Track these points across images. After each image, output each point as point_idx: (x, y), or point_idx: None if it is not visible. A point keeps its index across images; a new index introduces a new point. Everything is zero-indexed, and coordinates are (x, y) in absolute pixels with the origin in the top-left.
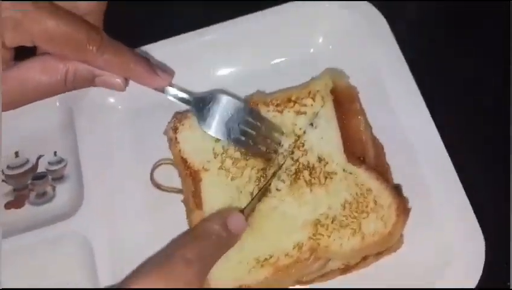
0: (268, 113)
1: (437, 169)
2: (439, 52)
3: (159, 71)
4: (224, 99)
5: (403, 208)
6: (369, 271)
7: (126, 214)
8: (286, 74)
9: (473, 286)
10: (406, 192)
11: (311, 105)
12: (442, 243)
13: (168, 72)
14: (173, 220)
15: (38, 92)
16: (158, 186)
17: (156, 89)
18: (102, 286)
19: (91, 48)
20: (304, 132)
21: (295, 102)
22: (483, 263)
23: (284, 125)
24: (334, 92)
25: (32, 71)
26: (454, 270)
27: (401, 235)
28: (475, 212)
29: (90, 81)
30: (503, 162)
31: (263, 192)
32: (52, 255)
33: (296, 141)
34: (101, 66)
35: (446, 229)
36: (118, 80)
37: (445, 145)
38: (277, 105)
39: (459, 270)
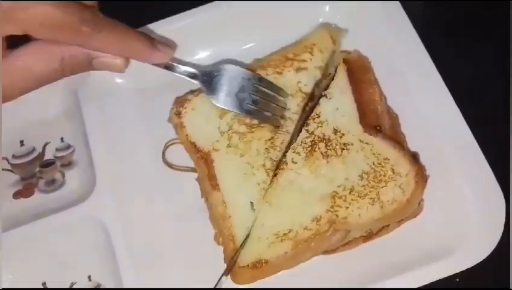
0: (268, 76)
1: (456, 137)
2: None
3: (160, 46)
4: (232, 69)
5: (421, 175)
6: (391, 237)
7: (139, 195)
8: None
9: (486, 255)
10: (423, 160)
11: (310, 60)
12: (461, 210)
13: (169, 45)
14: (187, 198)
15: (35, 81)
16: (170, 165)
17: (159, 65)
18: (122, 267)
19: (85, 29)
20: (319, 102)
21: (293, 59)
22: (502, 229)
23: (287, 85)
24: (347, 62)
25: (28, 60)
26: (473, 239)
27: (422, 201)
28: None
29: (88, 65)
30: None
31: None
32: (69, 240)
33: (303, 98)
34: (98, 48)
35: (466, 195)
36: (117, 61)
37: None
38: (275, 66)
39: (477, 238)
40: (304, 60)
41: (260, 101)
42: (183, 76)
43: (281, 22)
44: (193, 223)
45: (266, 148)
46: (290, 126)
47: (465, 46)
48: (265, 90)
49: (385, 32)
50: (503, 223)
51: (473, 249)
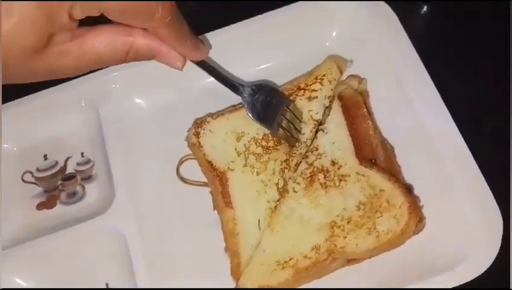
0: None
1: (458, 164)
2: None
3: (200, 44)
4: (269, 89)
5: (415, 207)
6: (393, 253)
7: (155, 208)
8: (302, 69)
9: (484, 270)
10: (422, 189)
11: (320, 89)
12: (462, 228)
13: (206, 44)
14: (200, 211)
15: (95, 63)
16: (184, 180)
17: (210, 72)
18: (138, 276)
19: (160, 15)
20: (316, 136)
21: (305, 89)
22: (497, 252)
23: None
24: (341, 98)
25: (97, 43)
26: (472, 254)
27: (424, 219)
28: None
29: (150, 58)
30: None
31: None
32: (88, 249)
33: (315, 125)
34: (163, 36)
35: (466, 214)
36: (178, 63)
37: None
38: (289, 95)
39: (476, 253)
40: (315, 90)
41: (287, 123)
42: (226, 86)
43: (292, 45)
44: (206, 235)
45: (281, 169)
46: (303, 149)
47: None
48: (293, 113)
49: (388, 58)
50: (501, 238)
51: (472, 264)
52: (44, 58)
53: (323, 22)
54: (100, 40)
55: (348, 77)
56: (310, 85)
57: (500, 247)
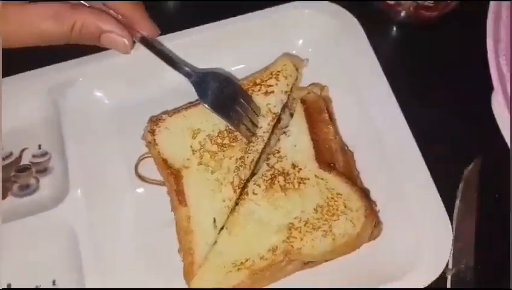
0: None
1: (413, 172)
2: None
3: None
4: (223, 77)
5: (371, 211)
6: (348, 257)
7: (111, 206)
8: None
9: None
10: (379, 195)
11: (276, 84)
12: (414, 237)
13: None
14: (157, 211)
15: (38, 37)
16: (142, 178)
17: (161, 57)
18: (86, 273)
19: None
20: (279, 138)
21: (261, 84)
22: (447, 258)
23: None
24: (304, 103)
25: (41, 15)
26: (421, 265)
27: (381, 224)
28: None
29: (95, 38)
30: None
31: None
32: (37, 244)
33: (273, 118)
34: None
35: (418, 224)
36: (124, 40)
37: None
38: (246, 90)
39: (426, 264)
40: (271, 85)
41: (241, 113)
42: (179, 72)
43: (255, 51)
44: (161, 235)
45: (237, 167)
46: (259, 144)
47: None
48: (248, 105)
49: (352, 67)
50: (449, 251)
51: (420, 275)
52: None
53: (290, 30)
54: (43, 10)
55: (310, 84)
56: (266, 80)
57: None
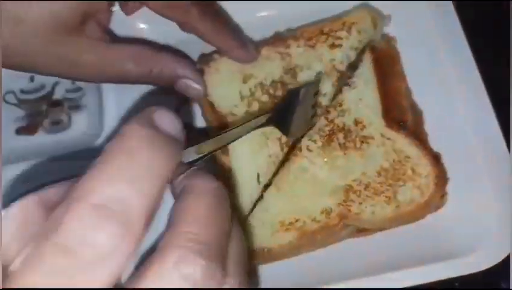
0: (299, 48)
1: (486, 139)
2: None
3: (249, 45)
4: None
5: (442, 178)
6: (409, 227)
7: None
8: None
9: (501, 259)
10: (447, 162)
11: (347, 38)
12: (483, 211)
13: (255, 48)
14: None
15: (121, 77)
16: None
17: None
18: None
19: (194, 11)
20: (341, 90)
21: (328, 34)
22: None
23: (320, 60)
24: (374, 51)
25: (124, 50)
26: (489, 241)
27: (446, 194)
28: None
29: (172, 82)
30: None
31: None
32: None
33: (338, 78)
34: (201, 31)
35: (489, 197)
36: (198, 87)
37: None
38: (308, 39)
39: (494, 241)
40: (340, 38)
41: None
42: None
43: None
44: None
45: None
46: (321, 107)
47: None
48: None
49: (430, 25)
50: None
51: (488, 253)
52: (73, 44)
53: None
54: (128, 48)
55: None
56: (336, 31)
57: None
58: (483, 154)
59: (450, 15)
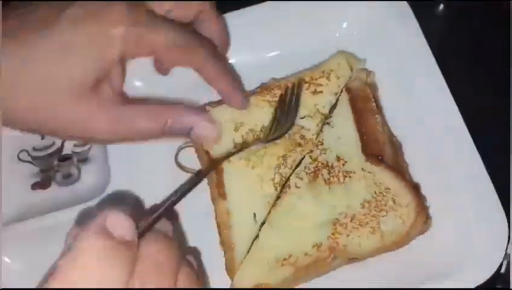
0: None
1: (465, 167)
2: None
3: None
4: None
5: (422, 207)
6: (398, 252)
7: (151, 195)
8: (307, 61)
9: (488, 277)
10: (428, 189)
11: (327, 84)
12: (466, 231)
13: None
14: (196, 201)
15: (131, 129)
16: (182, 168)
17: None
18: None
19: (205, 53)
20: (322, 129)
21: (310, 83)
22: (502, 254)
23: (304, 106)
24: (349, 91)
25: (136, 109)
26: (475, 260)
27: (430, 219)
28: None
29: (185, 134)
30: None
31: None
32: None
33: (322, 119)
34: (210, 76)
35: (470, 217)
36: (214, 135)
37: None
38: (292, 88)
39: (480, 259)
40: (321, 85)
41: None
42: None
43: (300, 33)
44: (201, 226)
45: (278, 164)
46: (307, 147)
47: (478, 73)
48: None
49: (401, 52)
50: (506, 244)
51: (472, 272)
52: (86, 105)
53: (334, 12)
54: (140, 106)
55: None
56: (316, 79)
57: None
58: (462, 176)
59: (419, 38)
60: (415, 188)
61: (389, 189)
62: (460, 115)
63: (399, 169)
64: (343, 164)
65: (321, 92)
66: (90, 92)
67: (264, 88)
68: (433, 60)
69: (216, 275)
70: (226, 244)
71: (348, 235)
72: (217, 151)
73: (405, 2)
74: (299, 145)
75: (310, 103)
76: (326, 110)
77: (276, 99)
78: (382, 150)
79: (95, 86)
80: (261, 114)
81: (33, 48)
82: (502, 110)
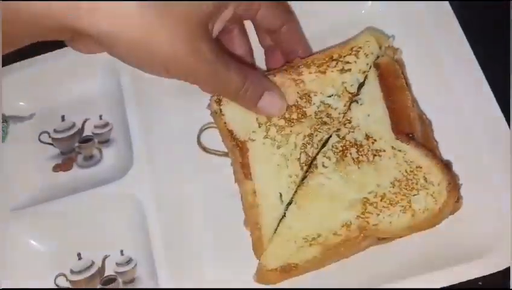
0: (311, 75)
1: (496, 148)
2: None
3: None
4: None
5: (454, 185)
6: (427, 233)
7: (174, 176)
8: (332, 38)
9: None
10: (458, 167)
11: (355, 62)
12: (496, 214)
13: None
14: (220, 182)
15: (219, 85)
16: (205, 149)
17: None
18: (153, 244)
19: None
20: (350, 107)
21: (337, 60)
22: None
23: (332, 85)
24: (378, 66)
25: (231, 65)
26: (505, 242)
27: (461, 198)
28: None
29: (255, 101)
30: None
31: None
32: (104, 215)
33: (350, 98)
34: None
35: (501, 200)
36: (284, 107)
37: None
38: (319, 65)
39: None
40: (349, 62)
41: None
42: None
43: (324, 12)
44: (225, 207)
45: (303, 144)
46: (334, 126)
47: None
48: None
49: (432, 32)
50: None
51: (506, 253)
52: (197, 42)
53: None
54: (233, 60)
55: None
56: (344, 56)
57: None
58: (492, 154)
59: (448, 16)
60: (447, 166)
61: (420, 167)
62: (492, 95)
63: (430, 147)
64: (373, 143)
65: (349, 70)
66: (203, 29)
67: (290, 66)
68: (464, 39)
69: (243, 255)
70: (252, 225)
71: (378, 215)
72: (240, 129)
73: None
74: (325, 124)
75: (337, 82)
76: (354, 89)
77: (302, 77)
78: (412, 127)
79: (207, 25)
80: (286, 93)
81: None
82: (502, 111)
